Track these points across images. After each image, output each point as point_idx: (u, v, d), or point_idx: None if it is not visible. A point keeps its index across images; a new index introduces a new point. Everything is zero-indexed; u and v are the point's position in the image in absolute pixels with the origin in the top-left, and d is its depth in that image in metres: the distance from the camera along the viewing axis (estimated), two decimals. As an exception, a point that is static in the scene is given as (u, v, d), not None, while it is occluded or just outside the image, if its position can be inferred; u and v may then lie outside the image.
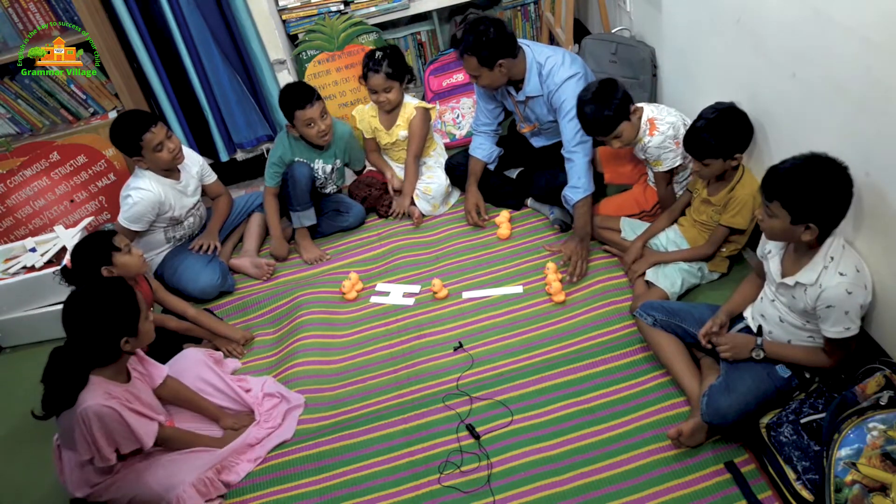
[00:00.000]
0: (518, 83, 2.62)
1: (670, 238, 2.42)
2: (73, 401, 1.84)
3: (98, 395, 1.84)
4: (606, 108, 2.28)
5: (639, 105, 2.38)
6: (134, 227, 2.63)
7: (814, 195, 1.62)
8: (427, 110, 2.98)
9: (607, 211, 2.63)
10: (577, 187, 2.54)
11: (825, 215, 1.65)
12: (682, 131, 2.33)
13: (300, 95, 2.74)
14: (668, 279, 2.30)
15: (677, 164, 2.37)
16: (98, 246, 2.25)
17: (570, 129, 2.52)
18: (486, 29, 2.44)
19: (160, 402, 2.11)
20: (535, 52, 2.57)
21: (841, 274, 1.65)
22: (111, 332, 1.83)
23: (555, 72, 2.53)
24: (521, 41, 2.58)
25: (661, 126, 2.35)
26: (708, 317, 2.04)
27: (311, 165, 2.92)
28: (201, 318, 2.54)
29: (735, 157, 2.10)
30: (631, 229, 2.52)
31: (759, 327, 1.88)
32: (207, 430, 2.17)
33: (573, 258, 2.52)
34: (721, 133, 2.07)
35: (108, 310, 1.83)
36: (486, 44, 2.44)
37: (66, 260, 2.31)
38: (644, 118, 2.36)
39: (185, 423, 2.15)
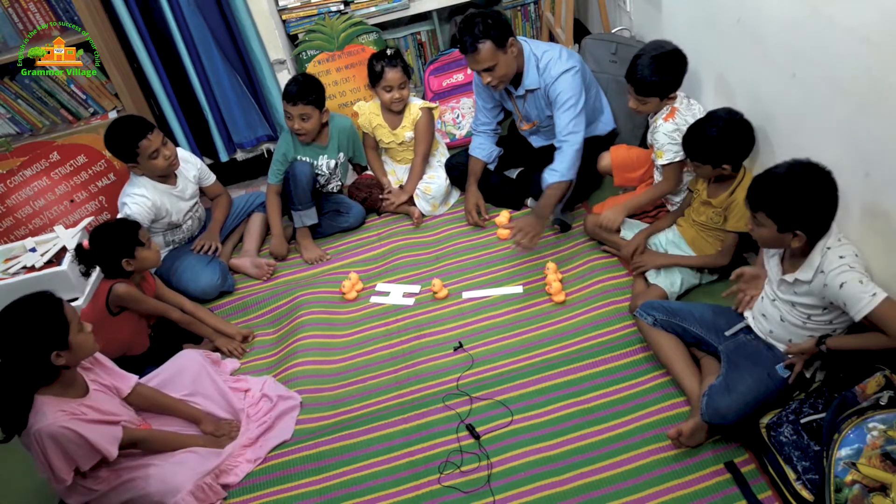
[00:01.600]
0: (517, 78, 2.63)
1: (669, 238, 2.42)
2: (24, 423, 1.79)
3: (49, 415, 1.79)
4: (656, 75, 2.30)
5: (678, 94, 2.39)
6: None
7: (798, 203, 1.63)
8: (431, 110, 2.99)
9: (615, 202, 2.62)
10: (556, 171, 2.55)
11: (811, 222, 1.65)
12: None
13: (293, 90, 2.75)
14: (668, 279, 2.30)
15: (677, 160, 2.36)
16: (124, 237, 2.27)
17: (564, 119, 2.53)
18: (485, 14, 2.47)
19: (135, 409, 2.08)
20: (532, 47, 2.59)
21: (840, 257, 1.65)
22: (37, 348, 1.77)
23: (551, 65, 2.54)
24: (517, 38, 2.58)
25: (678, 119, 2.36)
26: (708, 316, 2.04)
27: (315, 162, 2.93)
28: (199, 312, 2.54)
29: (723, 167, 2.11)
30: (629, 229, 2.52)
31: (821, 338, 1.78)
32: (193, 430, 2.16)
33: (524, 228, 2.50)
34: (720, 144, 2.07)
35: (30, 325, 1.77)
36: (493, 25, 2.45)
37: (85, 240, 2.32)
38: (670, 105, 2.38)
39: (167, 427, 2.13)
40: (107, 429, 1.90)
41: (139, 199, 2.61)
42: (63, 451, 1.82)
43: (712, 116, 2.13)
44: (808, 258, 1.70)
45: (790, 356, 1.83)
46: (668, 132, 2.36)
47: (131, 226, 2.32)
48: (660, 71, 2.31)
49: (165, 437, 2.08)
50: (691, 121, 2.34)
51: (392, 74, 2.86)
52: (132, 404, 2.08)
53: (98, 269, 2.38)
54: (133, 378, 2.10)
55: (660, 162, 2.41)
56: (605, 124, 2.79)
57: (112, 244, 2.28)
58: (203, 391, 2.23)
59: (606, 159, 2.66)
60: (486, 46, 2.46)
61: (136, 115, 2.88)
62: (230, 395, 2.24)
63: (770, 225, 1.67)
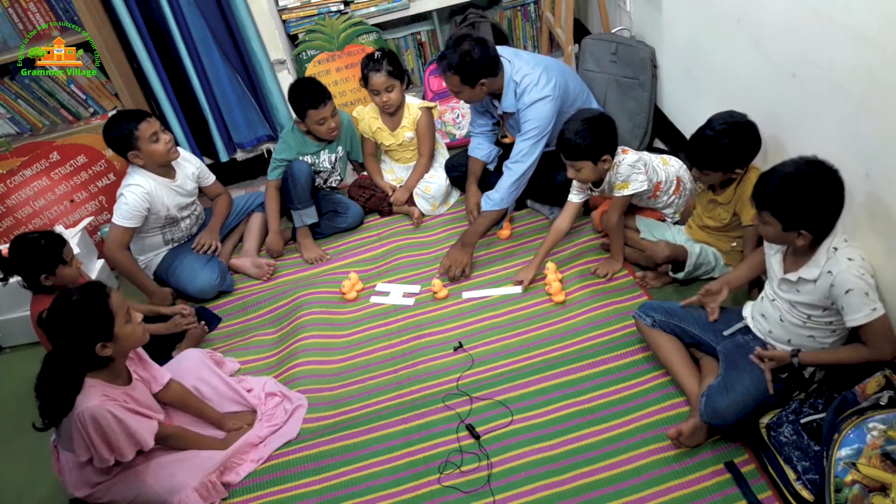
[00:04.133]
0: (498, 96, 2.65)
1: (680, 241, 2.41)
2: (70, 406, 1.82)
3: (94, 397, 1.83)
4: (580, 138, 2.29)
5: (618, 156, 2.38)
6: (128, 225, 2.62)
7: (803, 204, 1.62)
8: (430, 109, 2.99)
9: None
10: (491, 199, 2.63)
11: (816, 222, 1.65)
12: (651, 166, 2.40)
13: (313, 96, 2.76)
14: (689, 244, 2.32)
15: (643, 189, 2.36)
16: (46, 252, 2.21)
17: (520, 146, 2.57)
18: (471, 49, 2.47)
19: (163, 405, 2.10)
20: (513, 69, 2.58)
21: (849, 259, 1.65)
22: (83, 340, 1.80)
23: (528, 91, 2.56)
24: (502, 53, 2.60)
25: (632, 154, 2.39)
26: (706, 317, 2.04)
27: (317, 159, 2.95)
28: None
29: (735, 171, 2.08)
30: (647, 228, 2.51)
31: (797, 351, 1.80)
32: (209, 431, 2.17)
33: (456, 262, 2.61)
34: (728, 149, 2.03)
35: (76, 316, 1.80)
36: (469, 63, 2.48)
37: (4, 248, 2.28)
38: (609, 162, 2.37)
39: (185, 425, 2.14)
40: (144, 420, 1.93)
41: (134, 187, 2.60)
42: (102, 435, 1.84)
43: (717, 122, 2.06)
44: (814, 258, 1.70)
45: (761, 359, 1.83)
46: (631, 163, 2.36)
47: (56, 241, 2.24)
48: (587, 134, 2.29)
49: (194, 436, 2.09)
50: (646, 155, 2.39)
51: (376, 79, 2.85)
52: (162, 399, 2.10)
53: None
54: (168, 374, 2.12)
55: (625, 193, 2.38)
56: None
57: (32, 258, 2.22)
58: (214, 389, 2.23)
59: (596, 219, 2.67)
60: (453, 78, 2.52)
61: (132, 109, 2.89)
62: (240, 389, 2.25)
63: (775, 224, 1.67)
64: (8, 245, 2.27)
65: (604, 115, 2.36)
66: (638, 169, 2.35)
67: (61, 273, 2.24)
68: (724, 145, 2.02)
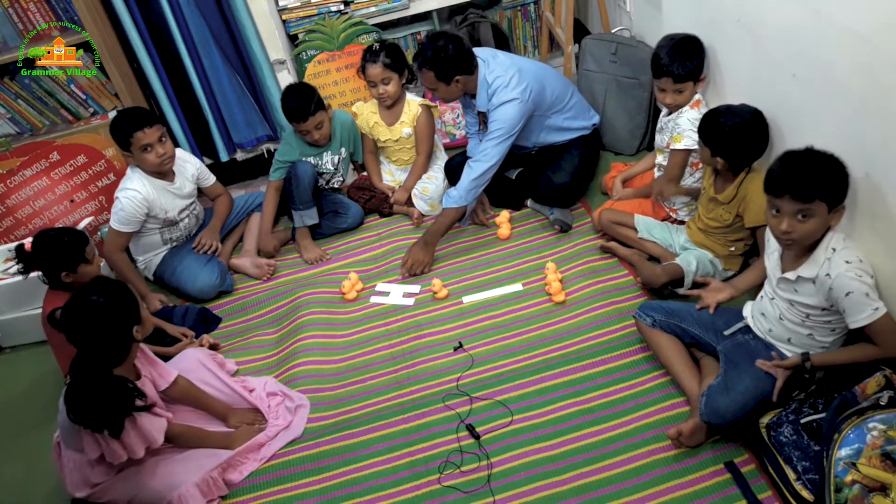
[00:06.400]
0: (475, 96, 2.68)
1: (680, 242, 2.41)
2: (128, 407, 1.82)
3: None
4: (689, 59, 2.36)
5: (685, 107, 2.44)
6: (125, 230, 2.62)
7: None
8: (430, 108, 2.99)
9: (622, 206, 2.62)
10: (452, 196, 2.65)
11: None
12: None
13: (297, 109, 2.75)
14: (684, 260, 2.31)
15: (694, 147, 2.36)
16: (69, 251, 2.22)
17: (483, 146, 2.61)
18: (445, 45, 2.50)
19: (170, 401, 2.11)
20: (487, 70, 2.61)
21: (847, 262, 1.65)
22: (122, 325, 1.84)
23: (498, 93, 2.59)
24: (480, 55, 2.62)
25: (703, 109, 2.38)
26: (707, 316, 2.05)
27: (319, 161, 2.95)
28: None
29: (716, 159, 2.12)
30: (646, 228, 2.51)
31: (807, 354, 1.80)
32: (214, 427, 2.17)
33: (417, 261, 2.65)
34: (724, 129, 2.07)
35: (114, 305, 1.82)
36: (444, 59, 2.51)
37: (27, 242, 2.28)
38: (699, 91, 2.44)
39: (189, 422, 2.14)
40: (155, 419, 1.93)
41: (131, 193, 2.60)
42: None
43: (737, 106, 2.11)
44: (812, 256, 1.70)
45: (769, 368, 1.83)
46: (692, 119, 2.37)
47: (79, 239, 2.25)
48: (692, 54, 2.36)
49: (203, 434, 2.09)
50: None
51: (372, 70, 2.85)
52: (171, 395, 2.10)
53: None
54: (174, 371, 2.11)
55: (676, 146, 2.41)
56: (584, 121, 2.83)
57: (55, 256, 2.22)
58: (214, 389, 2.23)
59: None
60: (428, 73, 2.55)
61: (144, 108, 2.88)
62: (242, 391, 2.24)
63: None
64: (30, 240, 2.27)
65: (695, 39, 2.39)
66: (696, 128, 2.35)
67: (82, 271, 2.25)
68: (721, 123, 2.07)
